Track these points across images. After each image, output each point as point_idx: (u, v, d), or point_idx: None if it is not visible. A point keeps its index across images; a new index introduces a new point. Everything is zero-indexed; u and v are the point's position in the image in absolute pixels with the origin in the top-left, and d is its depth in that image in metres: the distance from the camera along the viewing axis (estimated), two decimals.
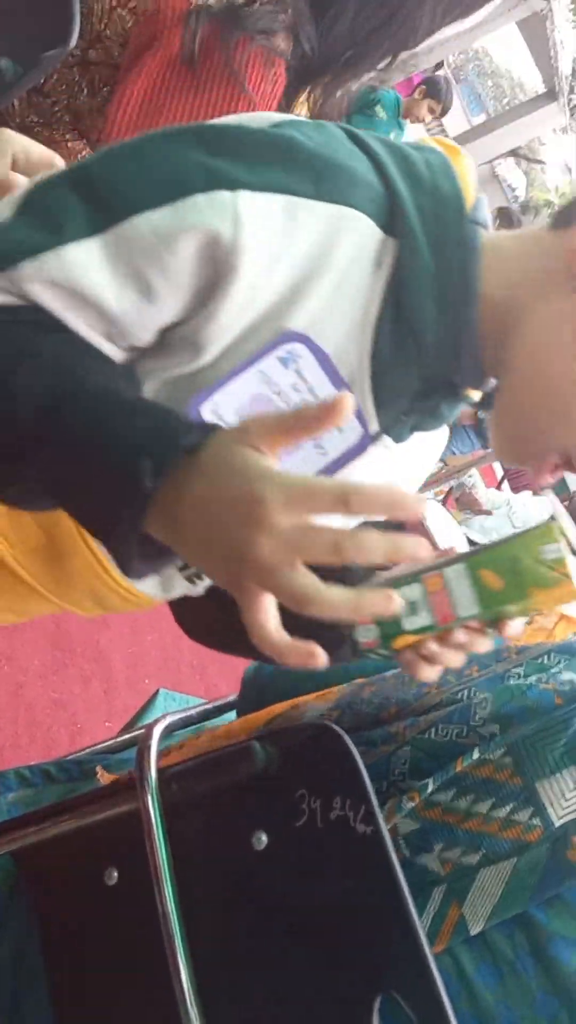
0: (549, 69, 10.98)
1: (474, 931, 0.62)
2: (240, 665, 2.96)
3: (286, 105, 0.95)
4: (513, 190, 17.68)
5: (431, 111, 4.52)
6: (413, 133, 4.42)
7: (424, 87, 4.55)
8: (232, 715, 0.91)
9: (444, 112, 4.66)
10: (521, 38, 11.23)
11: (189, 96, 0.83)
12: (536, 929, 0.61)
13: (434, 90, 4.48)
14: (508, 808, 0.64)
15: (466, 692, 0.70)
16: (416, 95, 4.53)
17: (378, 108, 4.23)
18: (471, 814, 0.65)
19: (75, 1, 0.84)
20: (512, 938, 0.62)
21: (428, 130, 4.56)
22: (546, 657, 0.70)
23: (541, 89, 12.71)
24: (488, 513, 3.84)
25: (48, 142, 0.96)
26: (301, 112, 0.97)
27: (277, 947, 0.64)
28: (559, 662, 0.69)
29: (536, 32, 10.31)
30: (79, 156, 0.98)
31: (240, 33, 0.82)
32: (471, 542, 3.71)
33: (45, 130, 0.95)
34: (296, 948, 0.64)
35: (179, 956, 0.64)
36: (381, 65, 0.99)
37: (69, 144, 0.97)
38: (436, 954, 0.61)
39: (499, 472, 8.11)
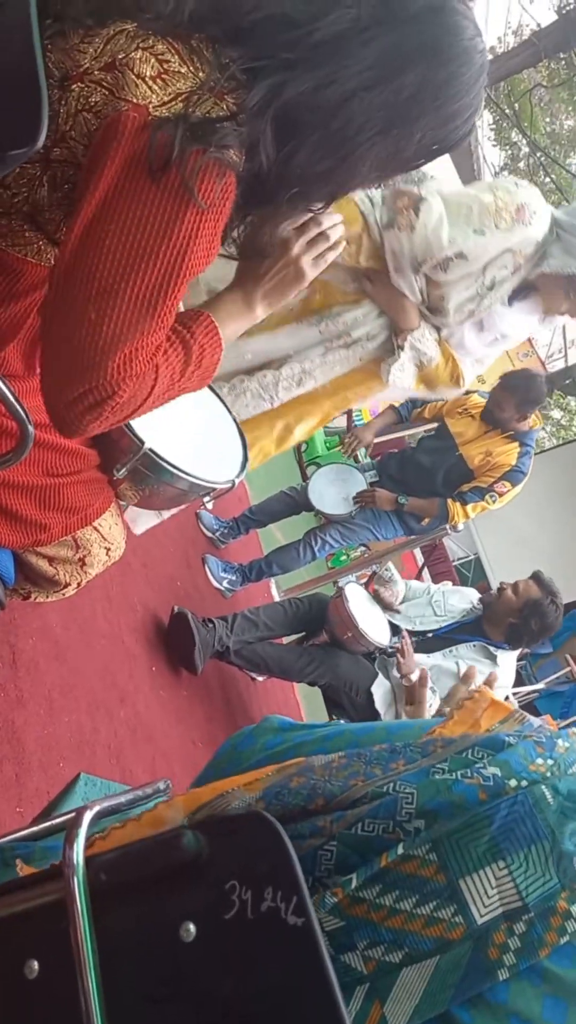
0: (471, 181, 11.71)
1: None
2: (156, 753, 2.90)
3: (237, 218, 1.00)
4: None
5: None
6: None
7: None
8: None
9: None
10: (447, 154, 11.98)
11: (138, 204, 0.87)
12: None
13: None
14: (432, 905, 0.65)
15: (392, 785, 0.71)
16: None
17: None
18: (395, 911, 0.65)
19: (44, 103, 0.88)
20: None
21: None
22: (471, 752, 0.72)
23: None
24: (397, 611, 3.90)
25: (6, 231, 0.99)
26: None
27: None
28: (483, 756, 0.71)
29: (460, 147, 11.03)
30: (36, 246, 1.01)
31: (198, 145, 0.87)
32: (394, 627, 3.75)
33: (3, 219, 0.98)
34: None
35: None
36: (317, 206, 1.07)
37: (26, 234, 1.00)
38: None
39: (420, 560, 8.26)
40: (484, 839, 0.65)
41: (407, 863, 0.66)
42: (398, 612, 3.87)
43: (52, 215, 0.98)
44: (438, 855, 0.65)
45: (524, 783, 0.68)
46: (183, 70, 0.90)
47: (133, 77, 0.89)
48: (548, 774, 0.70)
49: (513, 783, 0.68)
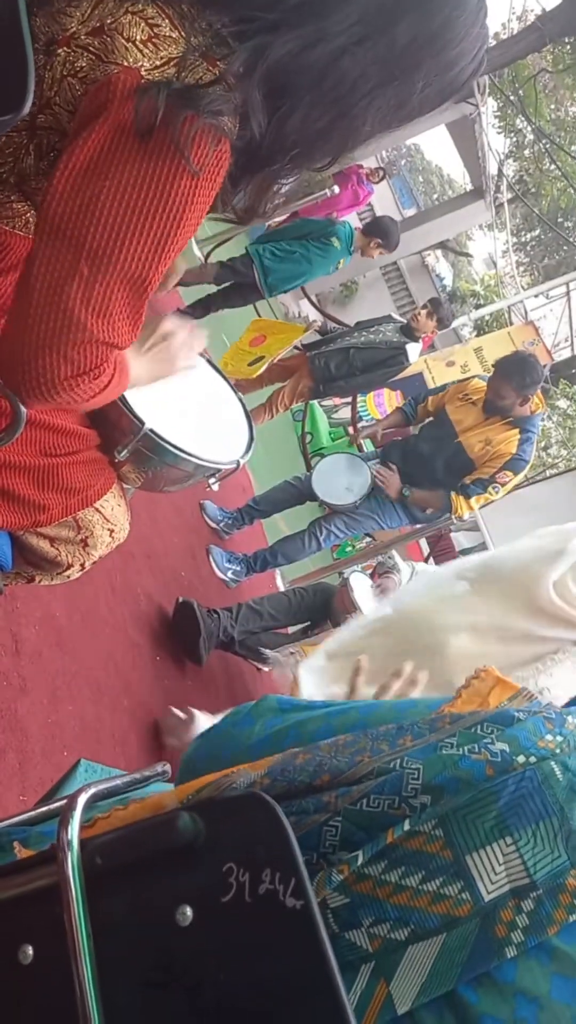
0: (476, 169, 11.68)
1: (401, 1010, 0.61)
2: (161, 743, 2.89)
3: (230, 186, 0.98)
4: (441, 279, 18.47)
5: (378, 248, 5.23)
6: None
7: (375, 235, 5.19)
8: (161, 786, 0.88)
9: (391, 251, 5.43)
10: (450, 139, 11.94)
11: (133, 166, 0.85)
12: (465, 1009, 0.60)
13: (385, 239, 5.22)
14: (438, 881, 0.63)
15: (398, 761, 0.69)
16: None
17: (334, 239, 4.84)
18: (401, 887, 0.64)
19: (31, 69, 0.86)
20: (441, 1018, 0.60)
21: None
22: (479, 727, 0.70)
23: (469, 187, 13.47)
24: None
25: None
26: None
27: None
28: (491, 732, 0.69)
29: (465, 134, 10.99)
30: (23, 218, 0.99)
31: (189, 110, 0.84)
32: None
33: None
34: None
35: None
36: (320, 164, 1.04)
37: (14, 205, 0.98)
38: None
39: (425, 549, 8.24)
40: (491, 815, 0.63)
41: (413, 839, 0.64)
42: None
43: (39, 184, 0.96)
44: (444, 831, 0.64)
45: (533, 759, 0.66)
46: (174, 35, 0.88)
47: (123, 41, 0.86)
48: (558, 750, 0.68)
49: (521, 759, 0.66)
